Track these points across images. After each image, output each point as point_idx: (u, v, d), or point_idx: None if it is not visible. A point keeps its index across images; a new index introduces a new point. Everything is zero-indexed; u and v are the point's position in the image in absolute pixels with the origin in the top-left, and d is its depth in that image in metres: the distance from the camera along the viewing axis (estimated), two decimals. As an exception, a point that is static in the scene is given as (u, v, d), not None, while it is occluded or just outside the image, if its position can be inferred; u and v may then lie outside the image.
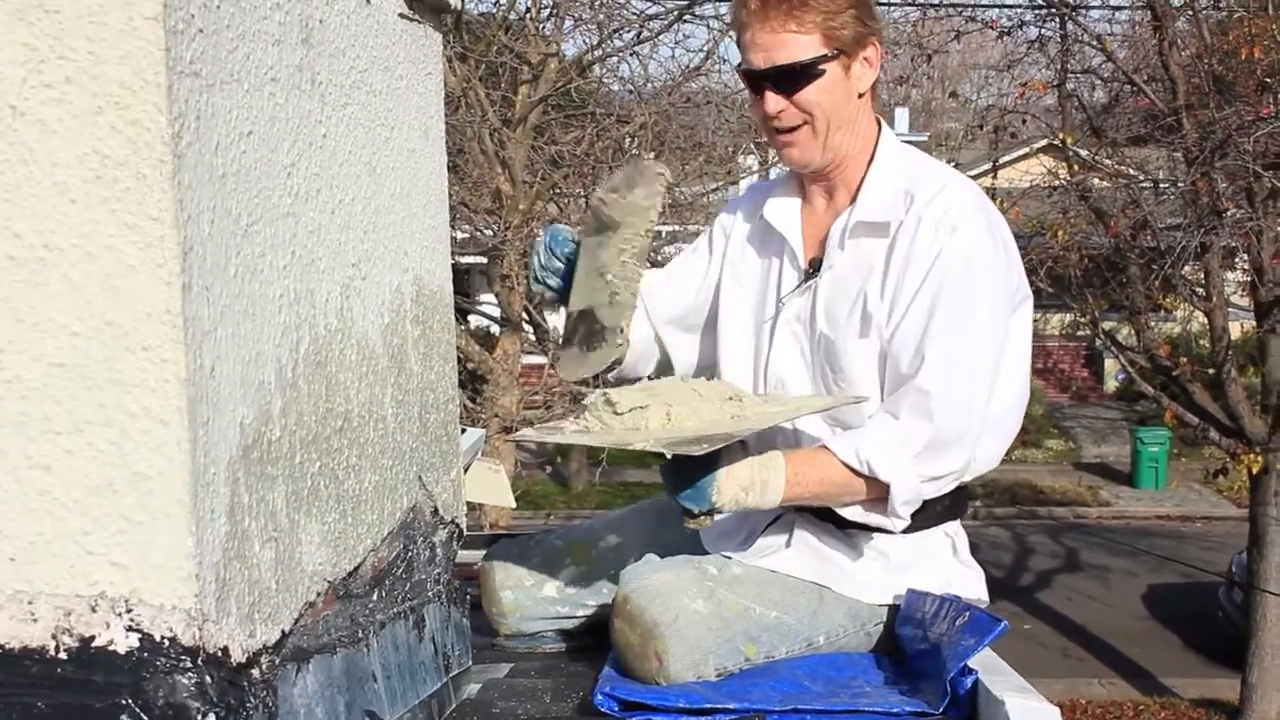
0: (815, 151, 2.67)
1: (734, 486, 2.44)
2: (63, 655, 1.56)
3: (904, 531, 2.62)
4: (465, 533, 2.59)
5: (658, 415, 2.49)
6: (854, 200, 2.69)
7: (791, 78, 2.60)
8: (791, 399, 2.66)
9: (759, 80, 2.63)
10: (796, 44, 2.58)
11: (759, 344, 2.79)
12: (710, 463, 2.41)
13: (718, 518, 2.54)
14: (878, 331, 2.58)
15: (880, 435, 2.51)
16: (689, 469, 2.41)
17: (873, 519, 2.57)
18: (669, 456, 2.37)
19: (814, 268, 2.71)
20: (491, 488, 4.76)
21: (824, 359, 2.66)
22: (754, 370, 2.79)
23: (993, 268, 2.58)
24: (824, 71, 2.59)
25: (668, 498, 2.49)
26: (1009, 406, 2.65)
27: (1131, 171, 12.68)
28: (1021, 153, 17.42)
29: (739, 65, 2.73)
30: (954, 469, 2.54)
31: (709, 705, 2.26)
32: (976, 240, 2.56)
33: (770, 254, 2.82)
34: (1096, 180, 12.60)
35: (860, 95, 2.67)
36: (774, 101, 2.64)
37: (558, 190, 13.91)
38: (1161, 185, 12.75)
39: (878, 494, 2.53)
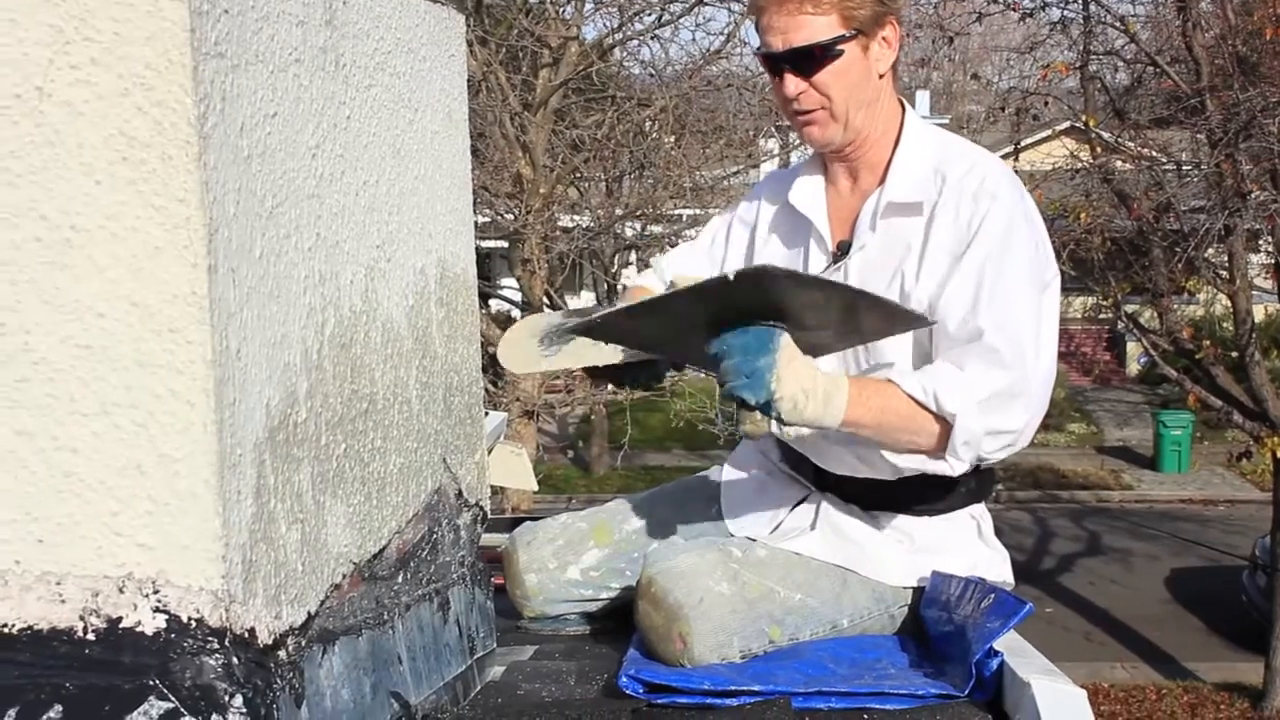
0: (836, 131, 2.65)
1: (795, 382, 2.26)
2: (90, 636, 1.57)
3: (929, 514, 2.61)
4: (489, 515, 2.59)
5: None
6: (882, 181, 2.67)
7: (809, 59, 2.58)
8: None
9: (777, 63, 2.61)
10: (813, 25, 2.56)
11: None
12: (766, 345, 2.24)
13: (777, 430, 2.34)
14: (916, 306, 2.52)
15: (948, 375, 2.45)
16: (747, 352, 2.24)
17: (929, 464, 2.52)
18: (732, 278, 2.14)
19: (842, 250, 2.68)
20: (514, 471, 4.75)
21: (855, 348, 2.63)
22: None
23: (1029, 242, 2.56)
24: (842, 52, 2.57)
25: (719, 408, 2.37)
26: (1044, 380, 2.58)
27: (1154, 154, 12.61)
28: (1044, 135, 17.39)
29: (758, 49, 2.70)
30: (1015, 427, 2.48)
31: (733, 687, 2.26)
32: (1015, 210, 2.55)
33: (796, 239, 2.80)
34: (1119, 163, 12.54)
35: (880, 76, 2.66)
36: (793, 84, 2.62)
37: (578, 174, 13.93)
38: (1185, 167, 12.69)
39: (937, 440, 2.47)
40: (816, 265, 2.71)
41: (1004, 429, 2.47)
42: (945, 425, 2.45)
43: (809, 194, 2.79)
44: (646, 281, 3.01)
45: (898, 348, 2.57)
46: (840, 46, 2.57)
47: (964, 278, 2.51)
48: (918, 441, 2.48)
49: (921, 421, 2.45)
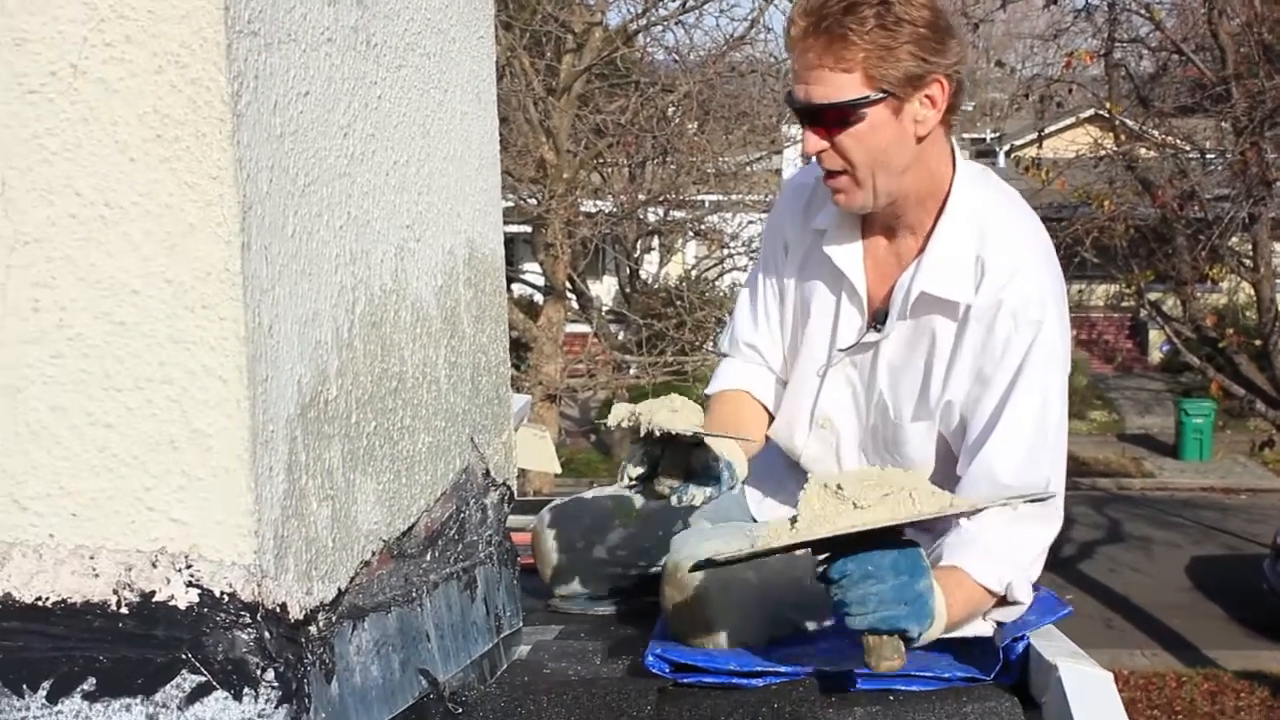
0: (863, 198, 2.42)
1: (941, 603, 2.13)
2: (124, 610, 1.58)
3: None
4: (516, 496, 2.60)
5: (901, 502, 2.07)
6: (921, 250, 2.46)
7: (829, 118, 2.34)
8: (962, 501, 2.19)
9: (799, 114, 2.40)
10: (834, 82, 2.30)
11: (813, 374, 2.65)
12: (918, 564, 2.09)
13: (905, 650, 2.10)
14: (941, 412, 2.46)
15: (1012, 552, 2.33)
16: (899, 572, 2.04)
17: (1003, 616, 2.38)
18: (964, 510, 2.07)
19: (877, 321, 2.53)
20: (537, 453, 4.76)
21: (879, 418, 2.58)
22: (809, 399, 2.68)
23: (1066, 354, 2.42)
24: (865, 115, 2.31)
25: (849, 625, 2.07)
26: None
27: (1179, 141, 12.58)
28: (1068, 123, 17.33)
29: (787, 89, 2.45)
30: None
31: (759, 668, 2.26)
32: (1056, 330, 2.38)
33: (831, 288, 2.61)
34: (1143, 150, 12.52)
35: (921, 139, 2.37)
36: (813, 141, 2.39)
37: (601, 159, 13.93)
38: (1209, 155, 12.66)
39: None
40: (850, 328, 2.58)
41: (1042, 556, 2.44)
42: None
43: (845, 242, 2.55)
44: (724, 379, 2.81)
45: (919, 445, 2.51)
46: (863, 110, 2.31)
47: (1016, 426, 2.35)
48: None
49: (990, 601, 2.35)
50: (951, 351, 2.43)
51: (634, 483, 2.44)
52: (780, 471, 2.86)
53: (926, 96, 2.33)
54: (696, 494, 2.40)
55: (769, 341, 2.76)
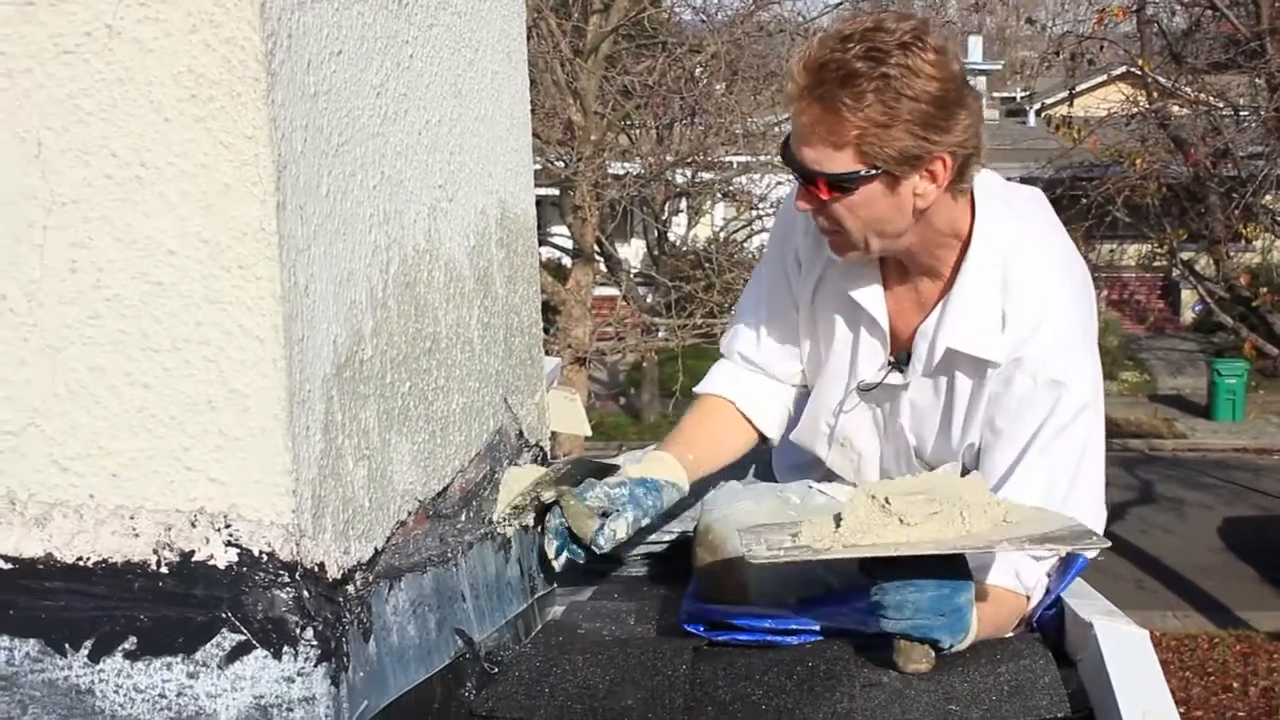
0: (857, 255, 2.36)
1: (977, 616, 2.13)
2: (164, 570, 1.59)
3: None
4: (549, 458, 2.60)
5: (950, 520, 2.06)
6: (942, 295, 2.38)
7: (820, 183, 2.23)
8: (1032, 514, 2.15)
9: (791, 168, 2.30)
10: (825, 152, 2.19)
11: (833, 399, 2.62)
12: (965, 580, 2.08)
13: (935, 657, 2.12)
14: (964, 453, 2.43)
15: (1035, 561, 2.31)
16: (942, 585, 2.05)
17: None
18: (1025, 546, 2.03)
19: (898, 362, 2.48)
20: (567, 416, 4.74)
21: (901, 447, 2.56)
22: (828, 420, 2.66)
23: (1095, 397, 2.35)
24: (854, 190, 2.21)
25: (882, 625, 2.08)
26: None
27: (1212, 99, 12.46)
28: (1099, 80, 17.18)
29: (785, 137, 2.33)
30: None
31: (795, 626, 2.26)
32: (1081, 381, 2.31)
33: (849, 316, 2.54)
34: (1176, 108, 12.42)
35: (922, 209, 2.26)
36: (803, 198, 2.29)
37: (629, 121, 13.89)
38: (1243, 112, 12.54)
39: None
40: (870, 361, 2.52)
41: None
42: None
43: (863, 275, 2.46)
44: (715, 384, 2.79)
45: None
46: (853, 185, 2.20)
47: (1030, 487, 2.28)
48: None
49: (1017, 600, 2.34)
50: (970, 398, 2.39)
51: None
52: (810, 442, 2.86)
53: (927, 172, 2.21)
54: (616, 526, 2.40)
55: (774, 353, 2.72)
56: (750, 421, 2.76)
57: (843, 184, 2.20)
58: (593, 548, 2.40)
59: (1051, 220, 2.47)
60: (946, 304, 2.37)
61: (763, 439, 2.79)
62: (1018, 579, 2.29)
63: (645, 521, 2.48)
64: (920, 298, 2.45)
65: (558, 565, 2.44)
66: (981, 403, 2.37)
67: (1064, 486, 2.30)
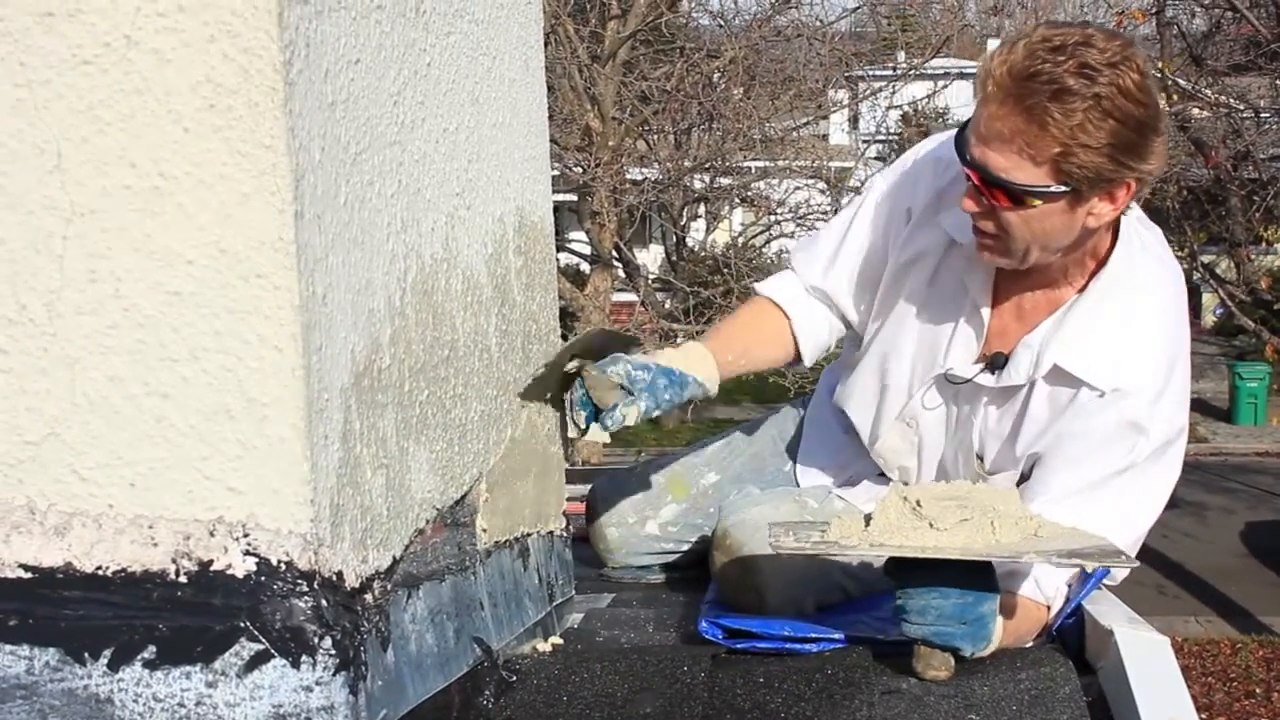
0: (1009, 263, 2.29)
1: (999, 625, 2.15)
2: (182, 579, 1.59)
3: None
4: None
5: (980, 529, 2.06)
6: (1055, 311, 2.34)
7: (1000, 191, 2.16)
8: (1064, 530, 2.15)
9: (969, 167, 2.19)
10: (1018, 163, 2.12)
11: (908, 370, 2.56)
12: (990, 590, 2.09)
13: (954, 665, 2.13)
14: (1024, 462, 2.40)
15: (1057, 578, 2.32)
16: (967, 593, 2.05)
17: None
18: (1048, 558, 2.03)
19: (993, 365, 2.42)
20: (586, 422, 4.75)
21: (965, 446, 2.52)
22: (900, 394, 2.60)
23: (1174, 440, 2.33)
24: (1038, 205, 2.14)
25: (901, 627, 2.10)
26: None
27: (1232, 101, 12.41)
28: (1119, 83, 17.08)
29: (962, 128, 2.24)
30: None
31: (814, 634, 2.26)
32: (1163, 426, 2.28)
33: (952, 297, 2.48)
34: (1196, 110, 12.35)
35: (1092, 229, 2.22)
36: (973, 200, 2.21)
37: (647, 126, 13.89)
38: (1264, 115, 12.49)
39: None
40: (962, 351, 2.46)
41: None
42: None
43: (979, 266, 2.40)
44: (777, 290, 2.72)
45: (1001, 478, 2.45)
46: (1038, 201, 2.14)
47: (1089, 512, 2.24)
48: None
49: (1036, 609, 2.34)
50: (1050, 416, 2.35)
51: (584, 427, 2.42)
52: (834, 440, 2.85)
53: (1108, 194, 2.15)
54: (628, 412, 2.39)
55: (843, 291, 2.66)
56: (796, 342, 2.70)
57: (1026, 196, 2.14)
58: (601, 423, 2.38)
59: (1176, 268, 2.43)
60: (1063, 321, 2.33)
61: (796, 360, 2.74)
62: (1038, 587, 2.29)
63: (656, 414, 2.44)
64: (1023, 307, 2.40)
65: (589, 435, 2.41)
66: (1060, 421, 2.33)
67: (1116, 522, 2.26)
